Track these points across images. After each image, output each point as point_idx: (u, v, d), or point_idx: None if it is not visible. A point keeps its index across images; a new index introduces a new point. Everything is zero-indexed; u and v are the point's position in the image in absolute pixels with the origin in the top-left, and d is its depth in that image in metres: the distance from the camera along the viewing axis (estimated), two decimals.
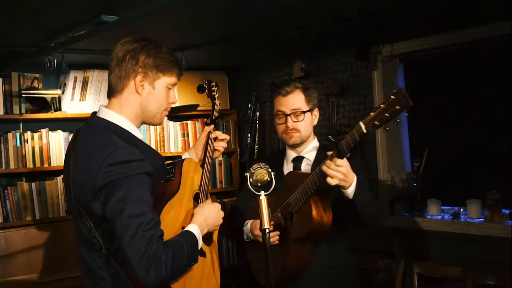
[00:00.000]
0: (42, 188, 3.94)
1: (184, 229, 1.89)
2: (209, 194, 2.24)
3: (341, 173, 2.16)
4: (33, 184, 3.92)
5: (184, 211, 2.00)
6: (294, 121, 2.51)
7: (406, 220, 3.71)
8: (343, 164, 2.17)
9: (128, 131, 1.86)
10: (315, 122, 2.61)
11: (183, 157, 2.25)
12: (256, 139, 4.59)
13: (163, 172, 2.03)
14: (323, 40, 3.68)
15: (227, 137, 2.41)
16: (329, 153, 2.20)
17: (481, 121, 3.58)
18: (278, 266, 2.38)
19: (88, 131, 1.87)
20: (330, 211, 2.31)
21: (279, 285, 2.41)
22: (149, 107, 1.91)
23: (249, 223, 2.52)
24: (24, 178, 4.02)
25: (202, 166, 2.26)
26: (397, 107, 1.98)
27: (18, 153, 3.87)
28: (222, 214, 2.08)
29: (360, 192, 2.25)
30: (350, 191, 2.24)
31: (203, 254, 2.00)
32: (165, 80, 1.92)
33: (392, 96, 2.00)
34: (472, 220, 3.42)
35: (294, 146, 2.58)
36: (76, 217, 1.86)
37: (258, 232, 2.36)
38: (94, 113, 1.94)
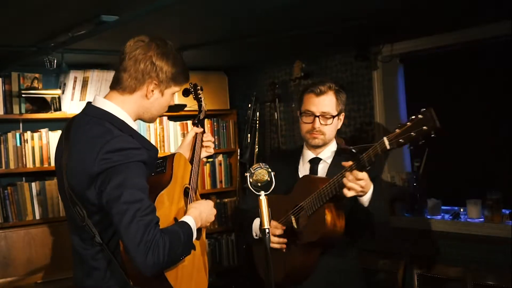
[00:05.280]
0: (42, 188, 3.94)
1: (180, 220, 1.91)
2: (197, 191, 2.26)
3: (360, 186, 2.14)
4: (33, 184, 3.92)
5: (176, 204, 2.01)
6: (321, 123, 2.47)
7: (406, 220, 3.71)
8: (363, 177, 2.13)
9: (123, 121, 1.87)
10: (339, 126, 2.57)
11: None
12: (256, 139, 4.59)
13: (155, 165, 2.04)
14: (323, 40, 3.68)
15: (212, 139, 2.49)
16: (348, 164, 2.17)
17: (481, 121, 3.57)
18: (284, 267, 2.37)
19: (84, 120, 1.87)
20: (343, 219, 2.29)
21: (283, 286, 2.41)
22: (152, 110, 1.94)
23: (258, 221, 2.51)
24: (24, 178, 4.02)
25: (191, 163, 2.29)
26: (424, 127, 1.92)
27: (18, 153, 3.87)
28: (214, 211, 2.11)
29: (375, 200, 2.23)
30: (366, 199, 2.23)
31: (193, 247, 2.02)
32: (174, 89, 1.96)
33: (419, 115, 1.94)
34: (472, 220, 3.42)
35: (314, 147, 2.55)
36: (69, 205, 1.85)
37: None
38: (89, 103, 1.94)
